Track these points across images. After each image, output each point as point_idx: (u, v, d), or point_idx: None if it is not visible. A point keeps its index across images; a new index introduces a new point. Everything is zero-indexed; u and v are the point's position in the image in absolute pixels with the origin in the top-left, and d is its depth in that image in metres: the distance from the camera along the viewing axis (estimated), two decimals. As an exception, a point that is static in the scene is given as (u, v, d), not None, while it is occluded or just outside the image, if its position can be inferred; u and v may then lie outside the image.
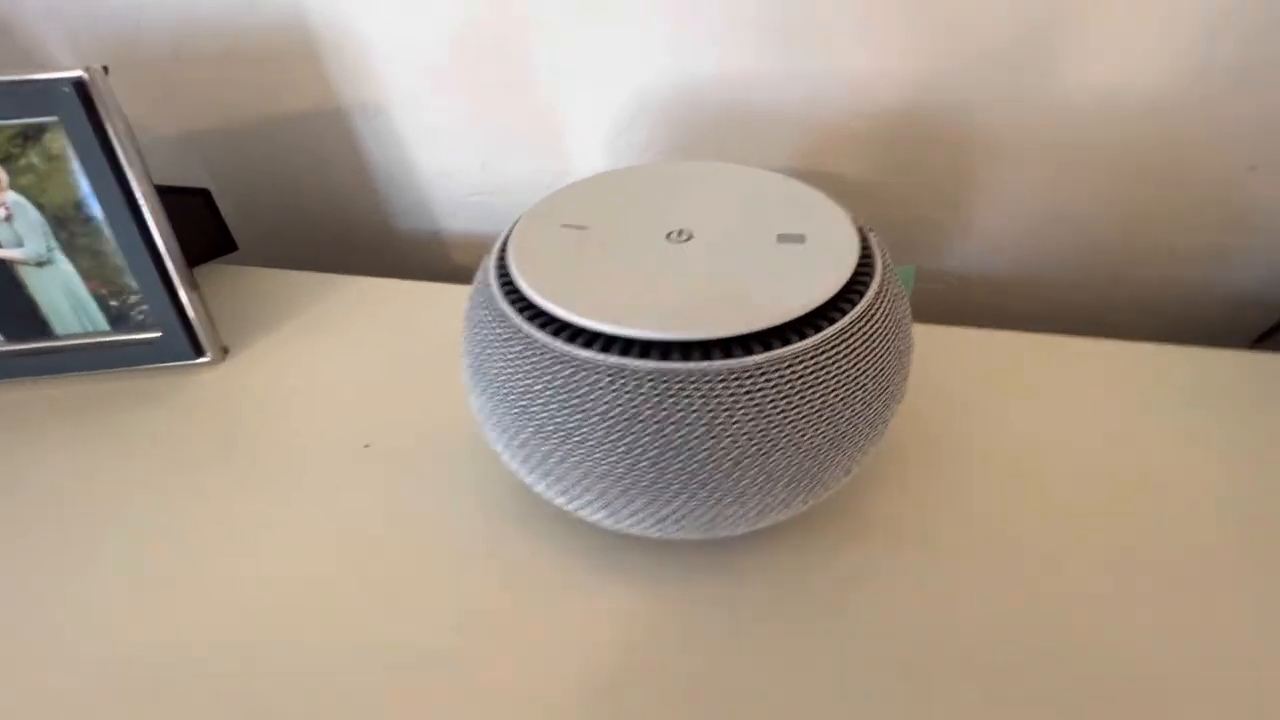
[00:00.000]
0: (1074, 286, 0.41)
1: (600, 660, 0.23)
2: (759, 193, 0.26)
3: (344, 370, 0.37)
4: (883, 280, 0.23)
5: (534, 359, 0.21)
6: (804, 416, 0.20)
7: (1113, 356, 0.34)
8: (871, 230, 0.25)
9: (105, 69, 0.31)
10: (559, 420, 0.21)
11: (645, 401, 0.20)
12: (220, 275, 0.45)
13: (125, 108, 0.32)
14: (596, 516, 0.23)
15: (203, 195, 0.44)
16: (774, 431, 0.20)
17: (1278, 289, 0.39)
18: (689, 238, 0.24)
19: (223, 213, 0.45)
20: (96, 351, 0.36)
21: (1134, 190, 0.37)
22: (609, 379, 0.20)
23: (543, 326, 0.21)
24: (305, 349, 0.38)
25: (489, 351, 0.23)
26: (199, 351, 0.36)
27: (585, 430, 0.20)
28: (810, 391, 0.20)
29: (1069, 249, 0.40)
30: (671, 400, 0.19)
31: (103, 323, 0.36)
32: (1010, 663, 0.23)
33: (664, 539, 0.24)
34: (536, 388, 0.21)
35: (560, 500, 0.24)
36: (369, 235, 0.51)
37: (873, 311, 0.21)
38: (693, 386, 0.19)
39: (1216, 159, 0.35)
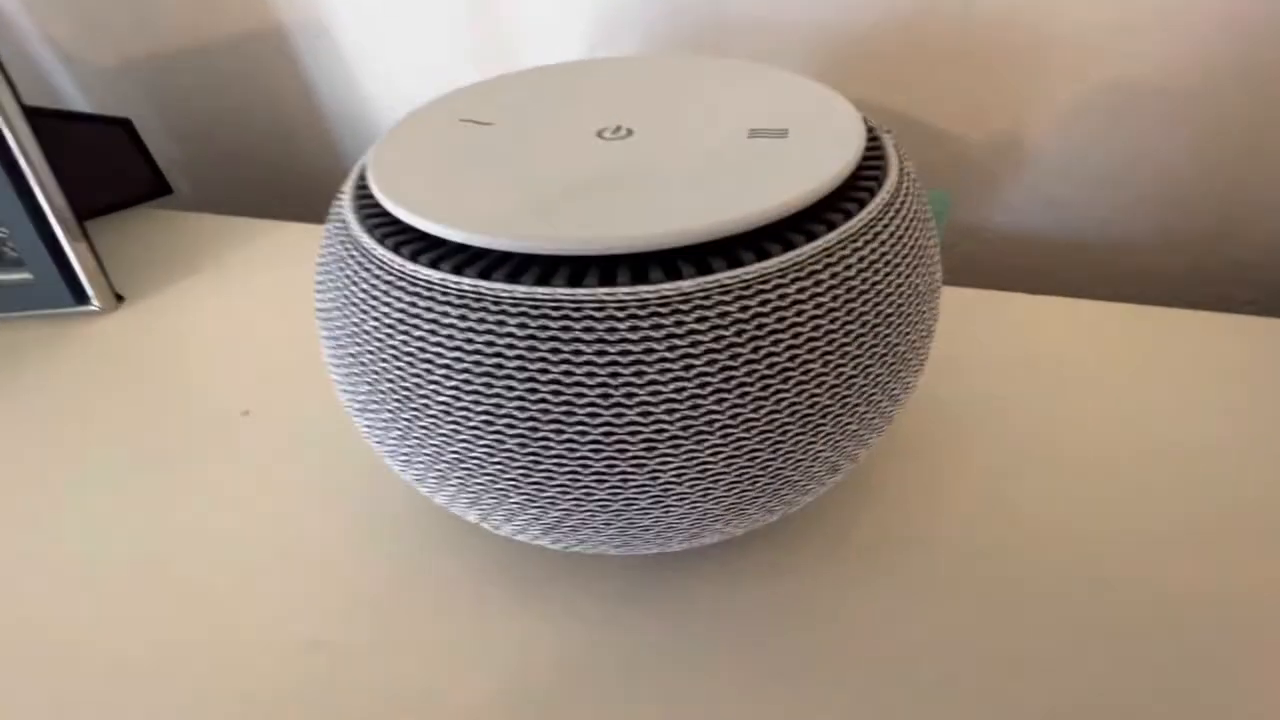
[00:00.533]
0: (1148, 249, 0.33)
1: (515, 692, 0.17)
2: (734, 84, 0.19)
3: (246, 324, 0.31)
4: (898, 188, 0.15)
5: (383, 289, 0.14)
6: (776, 372, 0.13)
7: (1197, 329, 0.27)
8: (888, 130, 0.18)
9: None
10: (420, 382, 0.14)
11: (548, 347, 0.13)
12: (150, 220, 0.40)
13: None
14: (500, 528, 0.17)
15: (123, 125, 0.39)
16: (733, 394, 0.13)
17: None
18: (627, 134, 0.17)
19: (172, 157, 0.40)
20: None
21: (1228, 134, 0.29)
22: (496, 313, 0.13)
23: (399, 246, 0.15)
24: (208, 299, 0.33)
25: (331, 281, 0.16)
26: (81, 299, 0.31)
27: (457, 396, 0.14)
28: (784, 334, 0.13)
29: (1144, 202, 0.32)
30: (585, 342, 0.13)
31: (-27, 264, 0.31)
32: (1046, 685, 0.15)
33: (591, 554, 0.17)
34: (386, 333, 0.14)
35: (441, 501, 0.17)
36: (318, 179, 0.45)
37: (878, 225, 0.14)
38: (621, 321, 0.13)
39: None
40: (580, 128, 0.18)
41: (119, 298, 0.32)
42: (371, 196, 0.16)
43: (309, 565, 0.21)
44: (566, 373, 0.12)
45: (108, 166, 0.39)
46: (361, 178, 0.18)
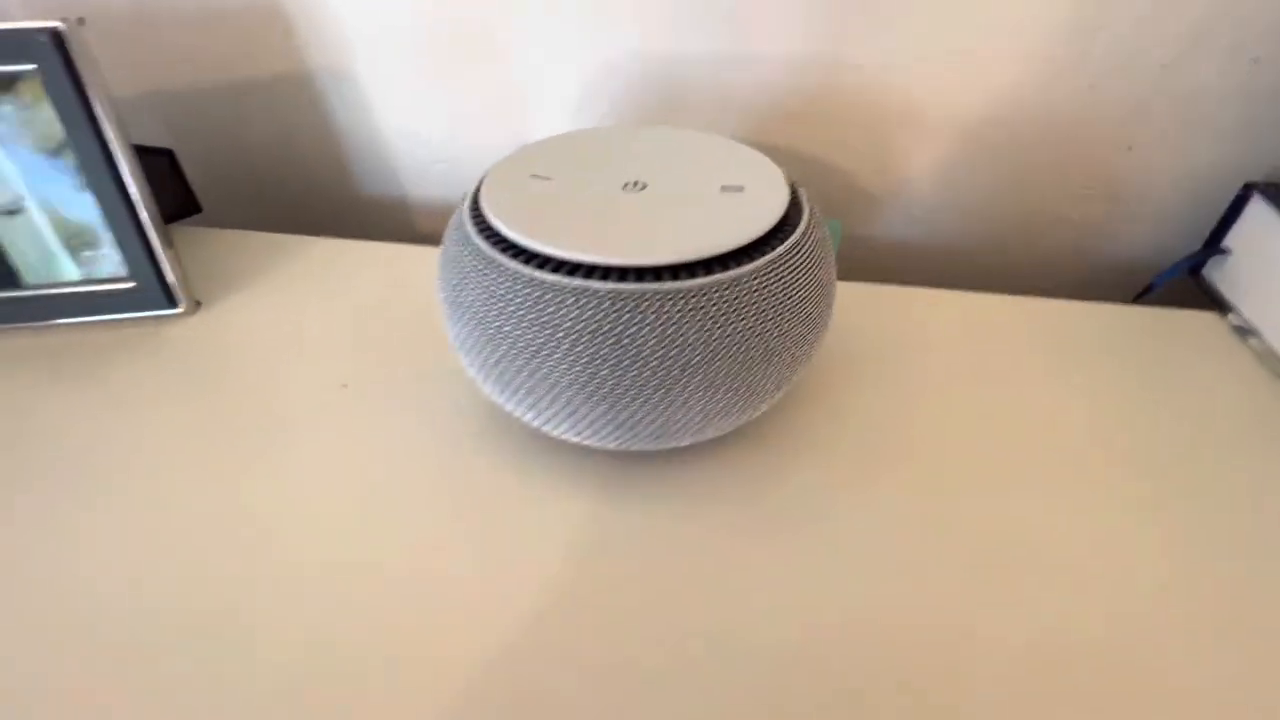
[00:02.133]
0: (981, 252, 0.47)
1: (564, 560, 0.26)
2: (705, 152, 0.30)
3: (316, 322, 0.38)
4: (808, 223, 0.26)
5: (507, 285, 0.24)
6: (739, 332, 0.24)
7: (1013, 309, 0.39)
8: (801, 186, 0.29)
9: (81, 20, 0.32)
10: (529, 337, 0.24)
11: (605, 317, 0.23)
12: (186, 235, 0.46)
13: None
14: (561, 429, 0.26)
15: (167, 155, 0.45)
16: (715, 344, 0.23)
17: (1152, 256, 0.45)
18: (643, 187, 0.27)
19: (193, 179, 0.46)
20: (68, 300, 0.37)
21: (1032, 167, 0.42)
22: (573, 298, 0.23)
23: (514, 257, 0.24)
24: (276, 303, 0.40)
25: (466, 282, 0.25)
26: (173, 302, 0.38)
27: (552, 345, 0.24)
28: (745, 311, 0.24)
29: (977, 220, 0.45)
30: (628, 315, 0.23)
31: (74, 273, 0.37)
32: (920, 547, 0.27)
33: (621, 449, 0.27)
34: (509, 309, 0.24)
35: (529, 416, 0.27)
36: (333, 201, 0.53)
37: (799, 247, 0.25)
38: (645, 304, 0.23)
39: (1099, 140, 0.41)
40: (611, 183, 0.28)
41: (197, 302, 0.39)
42: (484, 217, 0.26)
43: (429, 482, 0.29)
44: (637, 329, 0.23)
45: (153, 189, 0.45)
46: (475, 205, 0.27)
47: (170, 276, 0.37)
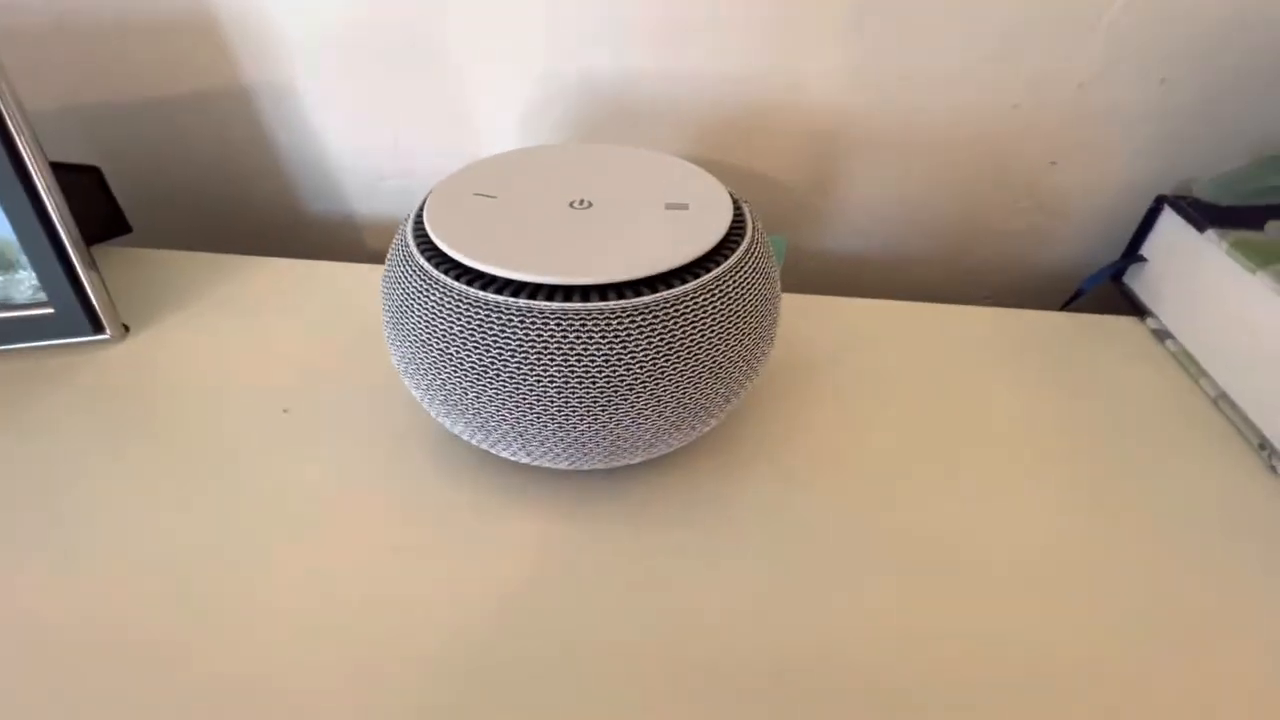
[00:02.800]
0: (921, 262, 0.48)
1: (518, 581, 0.26)
2: (650, 170, 0.30)
3: (254, 346, 0.37)
4: (752, 239, 0.27)
5: (452, 306, 0.24)
6: (686, 348, 0.24)
7: (951, 318, 0.41)
8: (745, 201, 0.30)
9: (-8, 35, 0.31)
10: (475, 359, 0.24)
11: (552, 337, 0.23)
12: (114, 257, 0.44)
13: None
14: (510, 450, 0.26)
15: (94, 173, 0.43)
16: (661, 361, 0.23)
17: (1080, 264, 0.47)
18: (589, 205, 0.27)
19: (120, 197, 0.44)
20: (-19, 328, 0.35)
21: (966, 181, 0.44)
22: (519, 318, 0.23)
23: (458, 277, 0.24)
24: (211, 327, 0.38)
25: (409, 304, 0.25)
26: (98, 328, 0.36)
27: (499, 365, 0.23)
28: (691, 327, 0.24)
29: (917, 232, 0.47)
30: (575, 335, 0.23)
31: (-14, 299, 0.35)
32: (868, 554, 0.27)
33: (572, 469, 0.27)
34: (455, 331, 0.24)
35: (477, 438, 0.26)
36: (276, 219, 0.51)
37: (743, 263, 0.26)
38: (592, 323, 0.23)
39: (1025, 155, 0.43)
40: (557, 200, 0.28)
41: (125, 327, 0.37)
42: (427, 237, 0.25)
43: (376, 504, 0.29)
44: (584, 348, 0.22)
45: (78, 209, 0.43)
46: (418, 224, 0.26)
47: (94, 300, 0.35)
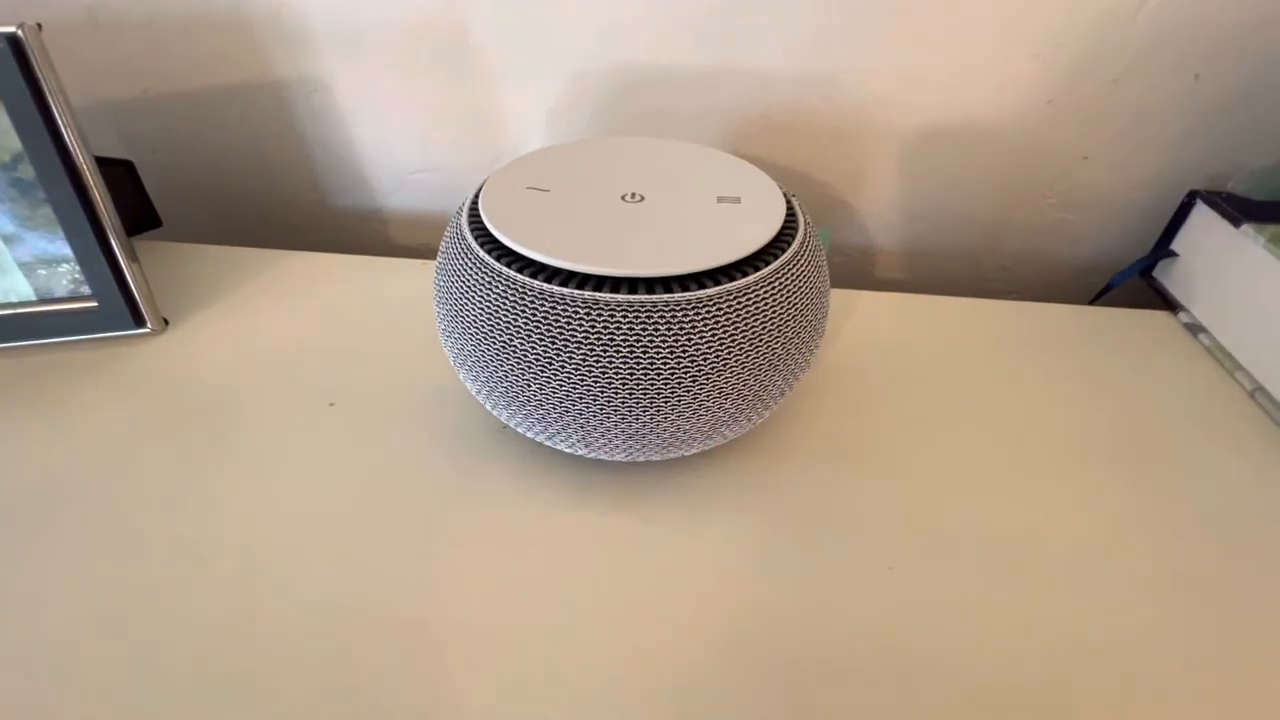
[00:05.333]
0: (949, 258, 0.49)
1: (575, 575, 0.26)
2: (696, 163, 0.30)
3: (292, 339, 0.37)
4: (805, 233, 0.27)
5: (515, 299, 0.24)
6: (749, 340, 0.24)
7: (980, 311, 0.41)
8: (794, 195, 0.30)
9: (39, 26, 0.31)
10: (539, 352, 0.24)
11: (617, 329, 0.23)
12: (146, 250, 0.44)
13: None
14: (569, 442, 0.26)
15: (125, 166, 0.43)
16: (725, 353, 0.24)
17: (1107, 259, 0.47)
18: (641, 199, 0.28)
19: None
20: (24, 321, 0.35)
21: (996, 177, 0.44)
22: (584, 311, 0.23)
23: (521, 270, 0.24)
24: (247, 320, 0.38)
25: (468, 297, 0.25)
26: (139, 321, 0.36)
27: (564, 358, 0.23)
28: (755, 319, 0.24)
29: (947, 228, 0.47)
30: (640, 327, 0.23)
31: (28, 291, 0.35)
32: (910, 543, 0.28)
33: (628, 460, 0.27)
34: (518, 324, 0.24)
35: (535, 430, 0.26)
36: (303, 213, 0.51)
37: (800, 255, 0.26)
38: (657, 315, 0.23)
39: (1058, 151, 0.43)
40: (608, 194, 0.28)
41: (165, 321, 0.37)
42: (486, 230, 0.26)
43: (428, 498, 0.29)
44: (650, 340, 0.23)
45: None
46: (474, 218, 0.26)
47: (136, 293, 0.35)
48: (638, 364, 0.23)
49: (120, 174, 0.43)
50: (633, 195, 0.28)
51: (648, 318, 0.23)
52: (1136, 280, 0.44)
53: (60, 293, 0.35)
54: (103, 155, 0.42)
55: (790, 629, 0.25)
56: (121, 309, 0.35)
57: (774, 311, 0.24)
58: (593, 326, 0.23)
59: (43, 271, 0.34)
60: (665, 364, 0.23)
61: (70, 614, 0.25)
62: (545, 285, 0.23)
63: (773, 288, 0.24)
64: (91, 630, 0.24)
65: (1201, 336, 0.39)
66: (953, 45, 0.39)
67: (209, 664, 0.23)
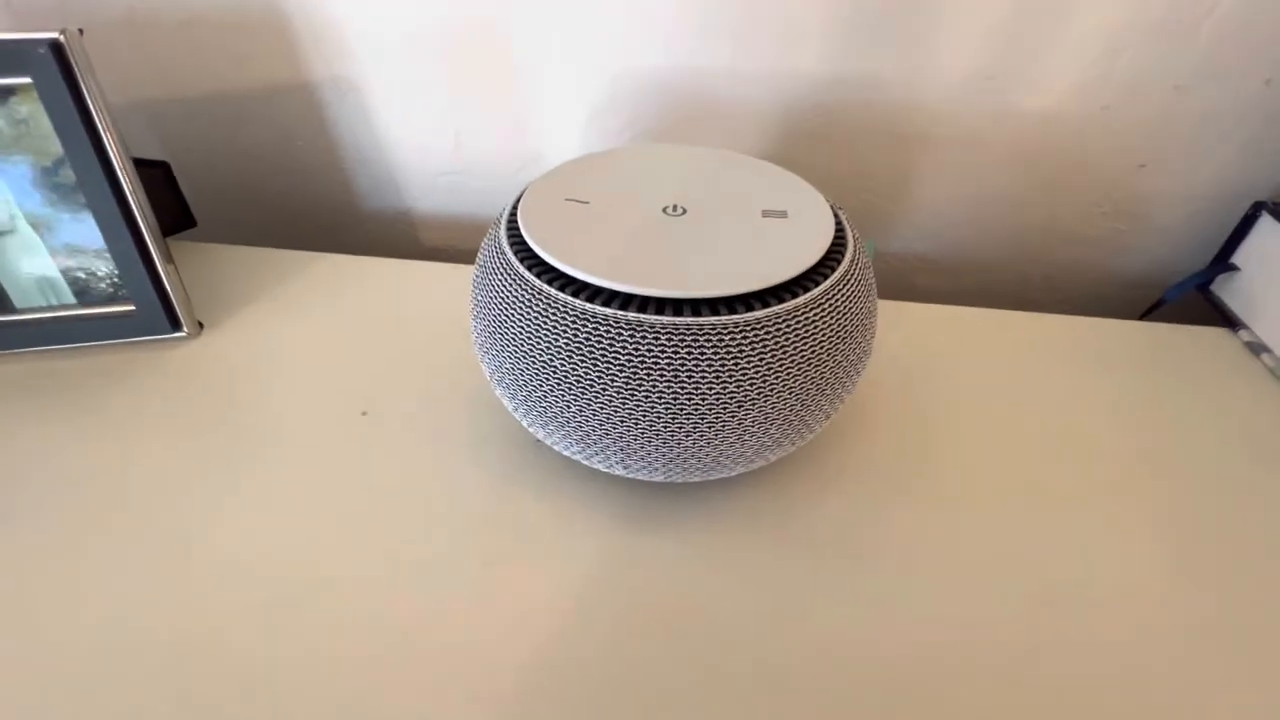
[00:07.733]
0: (993, 267, 0.47)
1: (607, 597, 0.26)
2: (739, 173, 0.29)
3: (326, 345, 0.37)
4: (854, 250, 0.26)
5: (556, 318, 0.23)
6: (796, 364, 0.23)
7: (1028, 325, 0.40)
8: (841, 208, 0.29)
9: (81, 31, 0.30)
10: (580, 373, 0.23)
11: (661, 352, 0.22)
12: (181, 251, 0.44)
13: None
14: (608, 462, 0.26)
15: (162, 168, 0.43)
16: (771, 376, 0.23)
17: (1161, 272, 0.45)
18: (683, 212, 0.27)
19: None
20: (64, 326, 0.35)
21: (1045, 185, 0.43)
22: (629, 333, 0.22)
23: (563, 288, 0.23)
24: (282, 324, 0.38)
25: (509, 314, 0.25)
26: (175, 325, 0.36)
27: (606, 380, 0.23)
28: (801, 342, 0.23)
29: (991, 236, 0.46)
30: (685, 350, 0.22)
31: (68, 295, 0.35)
32: (961, 572, 0.27)
33: (667, 481, 0.27)
34: (559, 344, 0.23)
35: (573, 449, 0.26)
36: (334, 215, 0.51)
37: (849, 275, 0.25)
38: (704, 338, 0.22)
39: (1112, 158, 0.41)
40: (649, 206, 0.27)
41: (200, 324, 0.38)
42: (527, 247, 0.25)
43: (462, 512, 0.28)
44: (694, 364, 0.22)
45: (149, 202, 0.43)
46: (513, 233, 0.26)
47: (173, 297, 0.35)
48: (681, 389, 0.22)
49: (158, 175, 0.43)
50: (675, 208, 0.27)
51: (693, 341, 0.22)
52: (1189, 295, 0.42)
53: (100, 298, 0.35)
54: (140, 156, 0.43)
55: (837, 654, 0.24)
56: (158, 313, 0.35)
57: (823, 334, 0.24)
58: (636, 349, 0.22)
59: (81, 275, 0.35)
60: (710, 389, 0.23)
61: (101, 614, 0.25)
62: (588, 305, 0.23)
63: (822, 309, 0.23)
64: (123, 631, 0.24)
65: (1264, 356, 0.37)
66: (1003, 47, 0.38)
67: (241, 667, 0.23)
